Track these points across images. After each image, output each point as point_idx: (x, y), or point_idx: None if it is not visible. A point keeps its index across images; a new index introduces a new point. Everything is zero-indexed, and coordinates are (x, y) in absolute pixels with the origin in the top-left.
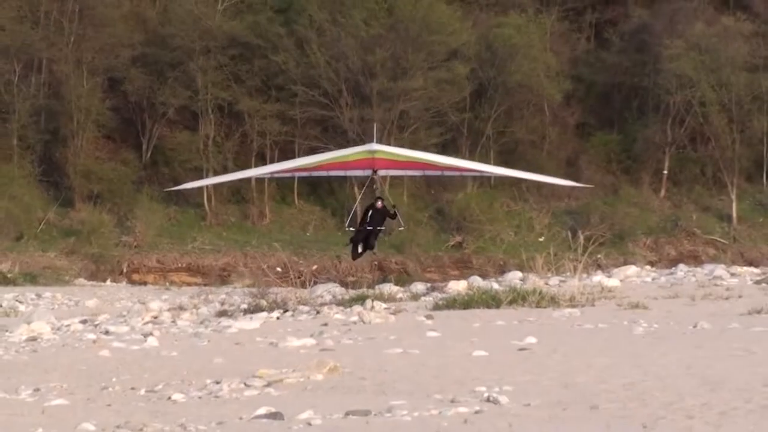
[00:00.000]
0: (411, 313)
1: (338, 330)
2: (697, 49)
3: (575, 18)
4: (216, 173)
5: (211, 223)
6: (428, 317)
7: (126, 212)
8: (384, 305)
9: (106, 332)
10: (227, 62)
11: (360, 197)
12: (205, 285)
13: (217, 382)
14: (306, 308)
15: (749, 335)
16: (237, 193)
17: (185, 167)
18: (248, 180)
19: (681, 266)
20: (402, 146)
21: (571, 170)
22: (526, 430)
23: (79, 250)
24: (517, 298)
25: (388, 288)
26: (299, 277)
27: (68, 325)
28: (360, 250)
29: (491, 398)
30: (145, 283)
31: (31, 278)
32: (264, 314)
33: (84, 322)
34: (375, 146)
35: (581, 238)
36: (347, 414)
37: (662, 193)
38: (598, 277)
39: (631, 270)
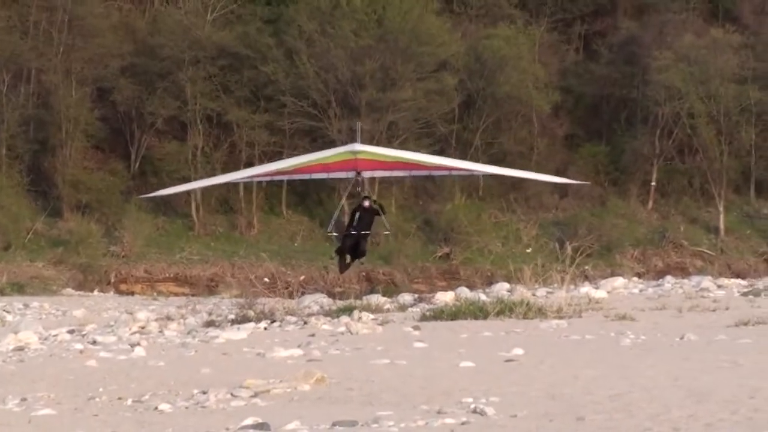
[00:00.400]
0: (398, 323)
1: (325, 341)
2: (686, 60)
3: (564, 29)
4: None
5: (199, 233)
6: (415, 328)
7: (114, 222)
8: (371, 316)
9: (94, 342)
10: (216, 72)
11: (344, 200)
12: (192, 295)
13: (204, 393)
14: (293, 319)
15: (736, 347)
16: (225, 203)
17: (173, 177)
18: (236, 190)
19: (668, 278)
20: None
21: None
22: None
23: (67, 260)
24: (505, 309)
25: (376, 299)
26: (287, 288)
27: (55, 335)
28: (348, 260)
29: (478, 409)
30: (132, 293)
31: (19, 288)
32: (251, 325)
33: (71, 332)
34: (357, 146)
35: (569, 249)
36: (334, 425)
37: (650, 204)
38: (586, 289)
39: (619, 281)
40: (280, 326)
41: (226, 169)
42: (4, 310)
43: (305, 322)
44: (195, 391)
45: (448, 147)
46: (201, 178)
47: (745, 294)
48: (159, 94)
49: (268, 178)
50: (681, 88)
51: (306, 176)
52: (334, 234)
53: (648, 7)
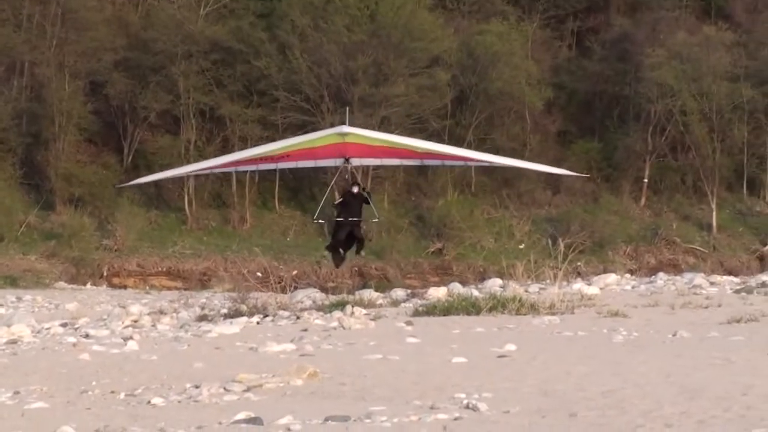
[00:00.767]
0: (391, 319)
1: (318, 335)
2: (679, 58)
3: (557, 26)
4: (197, 177)
5: (191, 227)
6: (408, 323)
7: (107, 216)
8: (364, 311)
9: (86, 336)
10: (209, 67)
11: (330, 187)
12: (185, 289)
13: (197, 387)
14: (286, 313)
15: (728, 344)
16: (218, 197)
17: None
18: (229, 185)
19: (661, 275)
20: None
21: (551, 178)
22: None
23: (60, 254)
24: (497, 305)
25: (368, 294)
26: (279, 282)
27: (48, 328)
28: (342, 253)
29: (470, 405)
30: (125, 287)
31: (12, 281)
32: (244, 319)
33: (64, 325)
34: (345, 128)
35: (561, 245)
36: (326, 419)
37: (642, 201)
38: (578, 285)
39: (611, 278)
40: (272, 321)
41: None
42: None
43: (298, 317)
44: (188, 385)
45: (441, 143)
46: None
47: (737, 291)
48: (152, 88)
49: (253, 167)
50: (673, 85)
51: (293, 165)
52: (321, 222)
53: (641, 4)
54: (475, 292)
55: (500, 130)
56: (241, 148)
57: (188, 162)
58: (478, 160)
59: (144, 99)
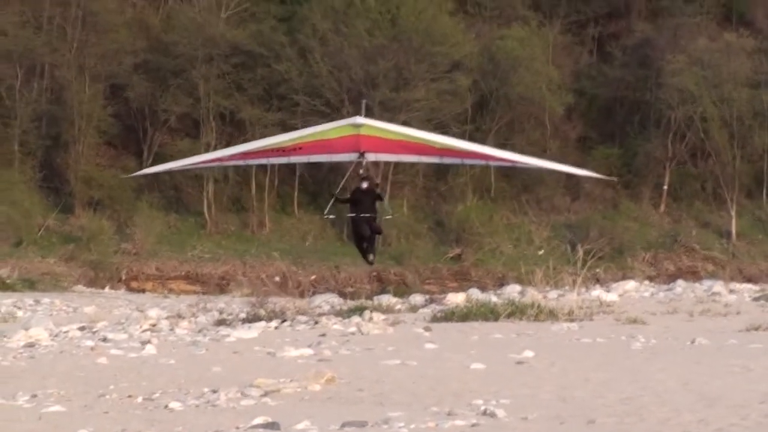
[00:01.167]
0: (409, 324)
1: (336, 340)
2: (700, 64)
3: (578, 31)
4: (216, 182)
5: (210, 231)
6: (426, 329)
7: (126, 219)
8: (382, 316)
9: (104, 339)
10: (230, 70)
11: (343, 182)
12: (203, 293)
13: (215, 391)
14: (304, 318)
15: (747, 352)
16: (237, 201)
17: (185, 175)
18: (248, 189)
19: (680, 282)
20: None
21: (570, 184)
22: None
23: (78, 257)
24: (516, 311)
25: (387, 299)
26: (298, 287)
27: (66, 332)
28: (365, 246)
29: (488, 411)
30: (143, 291)
31: (30, 284)
32: (262, 324)
33: (82, 328)
34: (360, 119)
35: (580, 251)
36: (344, 425)
37: (662, 208)
38: (597, 292)
39: (630, 285)
40: (290, 325)
41: (238, 168)
42: (15, 306)
43: (316, 322)
44: (205, 390)
45: None
46: (213, 175)
47: (756, 299)
48: (172, 92)
49: (264, 161)
50: (694, 91)
51: (305, 159)
52: (332, 216)
53: (662, 10)
54: (494, 298)
55: (520, 136)
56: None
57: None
58: (498, 158)
59: (164, 102)
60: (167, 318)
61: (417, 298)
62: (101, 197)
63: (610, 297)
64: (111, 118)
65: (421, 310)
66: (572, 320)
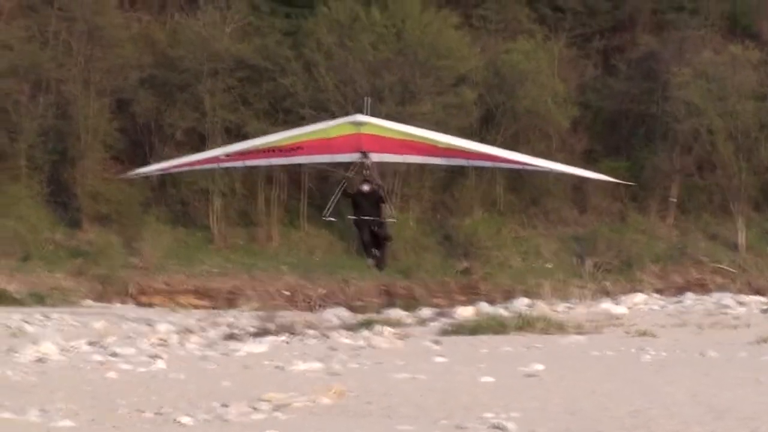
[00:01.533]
0: (418, 338)
1: (345, 354)
2: (705, 77)
3: (583, 44)
4: (224, 195)
5: (218, 245)
6: (435, 342)
7: (133, 234)
8: (391, 330)
9: (114, 354)
10: (235, 84)
11: (343, 183)
12: (212, 308)
13: (225, 405)
14: (313, 332)
15: (756, 364)
16: (245, 215)
17: (192, 189)
18: (256, 202)
19: (689, 294)
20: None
21: (577, 196)
22: None
23: (87, 272)
24: (525, 324)
25: (396, 313)
26: (307, 301)
27: (75, 347)
28: (375, 251)
29: (498, 425)
30: (152, 305)
31: (39, 299)
32: (271, 338)
33: (91, 343)
34: (361, 117)
35: (588, 264)
36: None
37: (670, 220)
38: (606, 304)
39: (639, 297)
40: (300, 339)
41: (245, 181)
42: (24, 321)
43: (325, 336)
44: (215, 404)
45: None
46: (219, 189)
47: (765, 311)
48: (178, 106)
49: (265, 162)
50: (699, 104)
51: (306, 159)
52: (332, 219)
53: (667, 23)
54: (503, 312)
55: (526, 149)
56: (267, 166)
57: (213, 179)
58: (504, 159)
59: (170, 117)
60: (176, 332)
61: (426, 312)
62: (108, 212)
63: (619, 310)
64: (117, 132)
65: (430, 324)
66: (581, 333)
